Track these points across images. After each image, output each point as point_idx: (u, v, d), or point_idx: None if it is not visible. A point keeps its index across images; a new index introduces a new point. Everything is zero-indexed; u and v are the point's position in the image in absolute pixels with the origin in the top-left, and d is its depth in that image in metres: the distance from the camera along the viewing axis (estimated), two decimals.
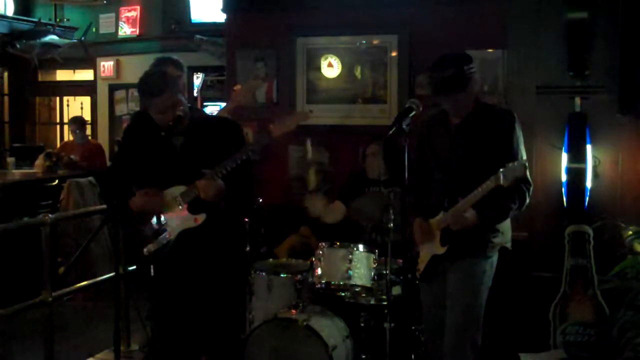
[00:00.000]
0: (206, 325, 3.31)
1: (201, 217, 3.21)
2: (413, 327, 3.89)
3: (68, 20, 9.33)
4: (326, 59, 5.16)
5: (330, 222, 4.45)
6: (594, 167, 4.28)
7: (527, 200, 3.25)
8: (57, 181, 6.70)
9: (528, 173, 3.20)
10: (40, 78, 10.10)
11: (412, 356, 3.92)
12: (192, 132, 3.24)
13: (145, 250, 3.26)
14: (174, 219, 3.24)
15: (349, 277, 3.82)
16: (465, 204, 3.17)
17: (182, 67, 4.30)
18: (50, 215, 4.38)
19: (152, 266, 3.35)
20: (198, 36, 7.73)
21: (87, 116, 9.43)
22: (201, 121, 3.31)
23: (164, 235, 3.24)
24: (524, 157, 3.26)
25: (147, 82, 3.21)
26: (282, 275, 4.11)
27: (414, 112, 3.14)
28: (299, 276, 4.00)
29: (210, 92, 8.72)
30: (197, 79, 8.61)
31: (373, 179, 4.41)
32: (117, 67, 9.09)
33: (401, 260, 3.77)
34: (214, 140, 3.25)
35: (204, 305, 3.28)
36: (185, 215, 3.22)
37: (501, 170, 3.02)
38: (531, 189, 3.25)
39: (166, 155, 3.23)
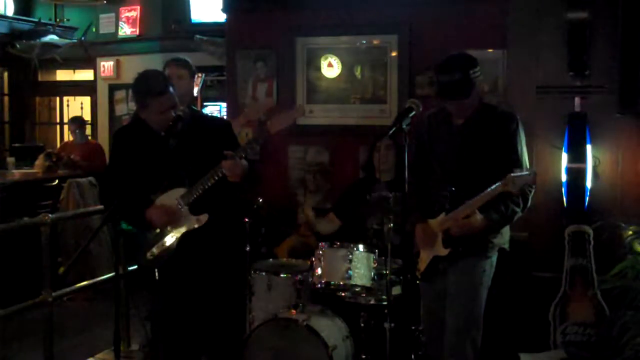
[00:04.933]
0: (208, 325, 3.31)
1: (204, 218, 3.20)
2: (413, 327, 3.88)
3: (68, 20, 9.34)
4: (326, 59, 5.16)
5: (324, 233, 4.45)
6: (594, 167, 4.28)
7: (529, 203, 3.25)
8: (57, 181, 6.70)
9: None
10: (40, 78, 10.10)
11: (412, 356, 3.91)
12: (185, 134, 3.23)
13: (148, 254, 3.25)
14: (177, 222, 3.22)
15: (349, 277, 3.82)
16: (470, 207, 3.15)
17: (191, 67, 4.24)
18: (50, 215, 4.39)
19: (156, 270, 3.34)
20: (198, 36, 7.73)
21: (87, 116, 9.44)
22: (194, 122, 3.29)
23: (167, 238, 3.22)
24: (526, 160, 3.26)
25: (148, 81, 3.17)
26: (282, 275, 4.11)
27: (414, 112, 3.14)
28: (299, 276, 4.00)
29: (210, 92, 8.72)
30: (197, 79, 8.61)
31: (379, 180, 4.36)
32: (117, 67, 9.09)
33: (401, 260, 3.77)
34: (207, 141, 3.24)
35: (207, 306, 3.28)
36: (187, 216, 3.20)
37: (512, 175, 2.99)
38: (533, 191, 3.25)
39: (161, 156, 3.22)
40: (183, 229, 3.22)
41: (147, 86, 3.16)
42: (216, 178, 3.13)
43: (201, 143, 3.24)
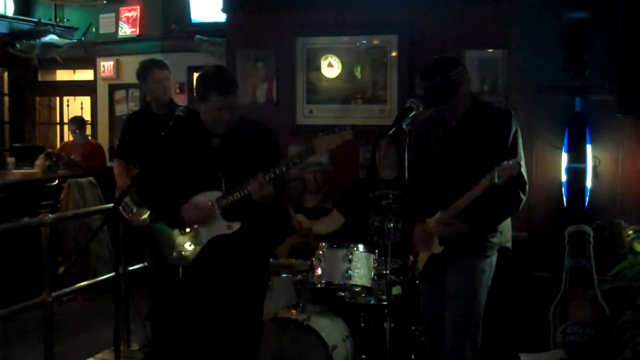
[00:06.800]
0: (218, 328, 3.27)
1: (236, 225, 3.16)
2: (413, 327, 3.89)
3: (68, 20, 9.33)
4: (326, 59, 5.16)
5: (325, 232, 4.42)
6: (594, 167, 4.28)
7: (523, 200, 3.26)
8: (57, 181, 6.70)
9: (524, 171, 3.20)
10: (40, 78, 10.10)
11: (412, 356, 3.92)
12: (231, 136, 3.17)
13: (174, 253, 3.23)
14: (207, 225, 3.17)
15: (349, 277, 3.82)
16: (461, 203, 3.17)
17: (169, 66, 4.36)
18: (50, 215, 4.39)
19: (180, 269, 3.31)
20: (198, 36, 7.72)
21: (87, 116, 9.42)
22: (240, 126, 3.25)
23: (196, 241, 3.19)
24: (522, 155, 3.26)
25: (223, 77, 3.13)
26: (282, 275, 4.11)
27: (414, 112, 3.14)
28: (299, 276, 4.00)
29: None
30: None
31: (382, 178, 4.36)
32: (117, 67, 9.08)
33: (401, 260, 3.77)
34: (250, 148, 3.17)
35: (224, 310, 3.23)
36: (219, 221, 3.16)
37: (496, 168, 3.03)
38: (527, 187, 3.25)
39: (204, 156, 3.19)
40: (213, 233, 3.19)
41: (223, 81, 3.10)
42: (244, 193, 3.08)
43: (244, 149, 3.17)
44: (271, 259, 4.37)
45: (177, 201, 3.17)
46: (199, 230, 3.19)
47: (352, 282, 3.83)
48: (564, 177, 4.29)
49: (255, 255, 3.29)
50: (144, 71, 4.33)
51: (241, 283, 3.22)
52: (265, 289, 3.42)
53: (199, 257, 3.19)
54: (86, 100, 9.89)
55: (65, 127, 9.58)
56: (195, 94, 3.19)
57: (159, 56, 4.87)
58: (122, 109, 9.08)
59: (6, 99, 9.79)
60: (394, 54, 4.99)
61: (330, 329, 3.82)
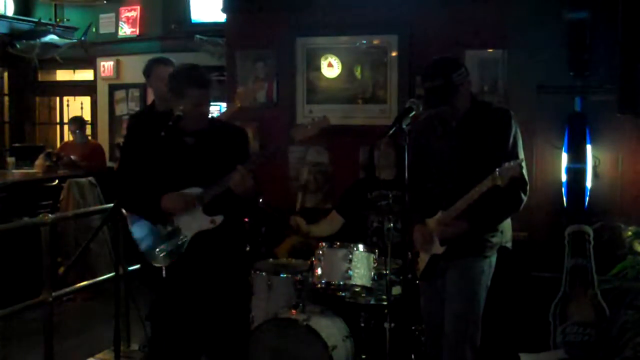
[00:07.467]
0: (211, 326, 3.28)
1: (218, 219, 3.18)
2: (413, 327, 3.89)
3: (68, 20, 9.34)
4: (326, 59, 5.16)
5: (324, 235, 4.41)
6: (594, 167, 4.29)
7: (524, 200, 3.26)
8: (57, 181, 6.70)
9: (524, 171, 3.20)
10: (40, 78, 10.11)
11: (412, 356, 3.92)
12: (204, 134, 3.20)
13: (157, 251, 3.24)
14: (189, 221, 3.19)
15: (349, 277, 3.82)
16: (462, 204, 3.17)
17: (175, 64, 4.36)
18: (50, 215, 4.39)
19: (164, 268, 3.32)
20: (198, 36, 7.73)
21: (87, 116, 9.44)
22: (212, 124, 3.27)
23: (180, 237, 3.20)
24: (521, 155, 3.27)
25: (197, 72, 3.16)
26: (282, 275, 4.11)
27: (414, 112, 3.14)
28: (299, 276, 4.00)
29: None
30: None
31: (382, 178, 4.36)
32: (117, 67, 9.10)
33: (401, 260, 3.77)
34: (223, 145, 3.21)
35: (212, 306, 3.25)
36: (201, 217, 3.18)
37: (497, 169, 3.03)
38: (527, 187, 3.25)
39: (177, 152, 3.21)
40: (196, 229, 3.20)
41: (196, 76, 3.12)
42: (224, 187, 3.11)
43: (217, 146, 3.21)
44: (271, 259, 4.40)
45: (155, 198, 3.18)
46: (180, 226, 3.20)
47: (352, 282, 3.83)
48: (564, 177, 4.29)
49: (239, 249, 3.31)
50: (148, 68, 4.36)
51: (227, 277, 3.25)
52: (249, 282, 3.45)
53: (184, 254, 3.20)
54: (86, 100, 9.91)
55: (65, 127, 9.59)
56: (169, 92, 3.20)
57: (153, 57, 4.85)
58: (122, 109, 9.10)
59: (6, 99, 9.79)
60: (394, 54, 4.99)
61: (330, 329, 3.82)
